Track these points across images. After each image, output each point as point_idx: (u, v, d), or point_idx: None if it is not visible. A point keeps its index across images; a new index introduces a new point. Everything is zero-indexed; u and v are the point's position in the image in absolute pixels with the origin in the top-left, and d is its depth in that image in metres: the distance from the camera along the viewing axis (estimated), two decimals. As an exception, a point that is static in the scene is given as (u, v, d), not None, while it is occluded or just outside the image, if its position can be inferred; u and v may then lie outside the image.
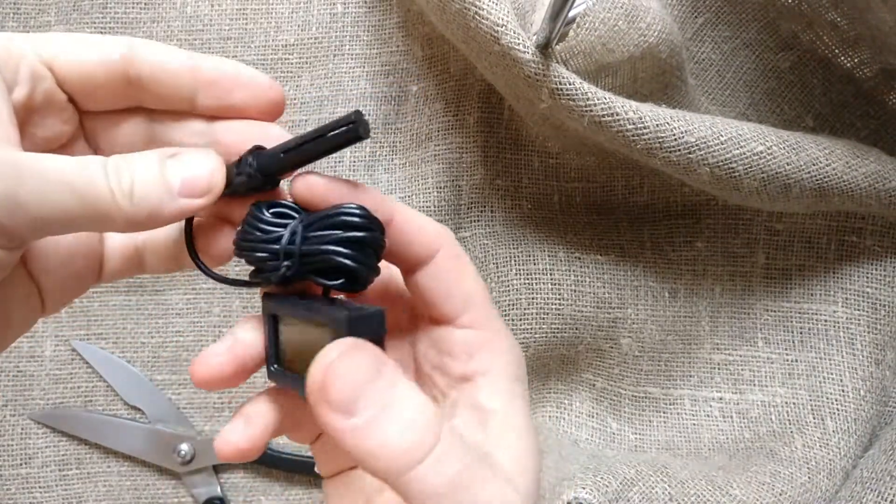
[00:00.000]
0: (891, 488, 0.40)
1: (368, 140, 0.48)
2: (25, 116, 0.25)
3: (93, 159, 0.24)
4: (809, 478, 0.44)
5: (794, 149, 0.40)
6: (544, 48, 0.37)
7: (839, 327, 0.46)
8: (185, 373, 0.48)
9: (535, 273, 0.47)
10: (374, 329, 0.24)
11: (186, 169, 0.25)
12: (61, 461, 0.48)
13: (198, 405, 0.48)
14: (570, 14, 0.38)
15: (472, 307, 0.28)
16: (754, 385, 0.47)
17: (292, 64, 0.49)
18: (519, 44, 0.37)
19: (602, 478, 0.42)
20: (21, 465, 0.47)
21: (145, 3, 0.49)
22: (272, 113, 0.28)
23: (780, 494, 0.43)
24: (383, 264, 0.27)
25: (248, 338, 0.27)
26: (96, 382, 0.48)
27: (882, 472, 0.41)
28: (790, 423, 0.46)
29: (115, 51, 0.26)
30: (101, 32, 0.48)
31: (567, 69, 0.39)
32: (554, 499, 0.41)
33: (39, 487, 0.47)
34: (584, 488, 0.41)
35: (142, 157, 0.25)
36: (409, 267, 0.28)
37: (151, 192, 0.24)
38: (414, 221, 0.27)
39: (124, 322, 0.48)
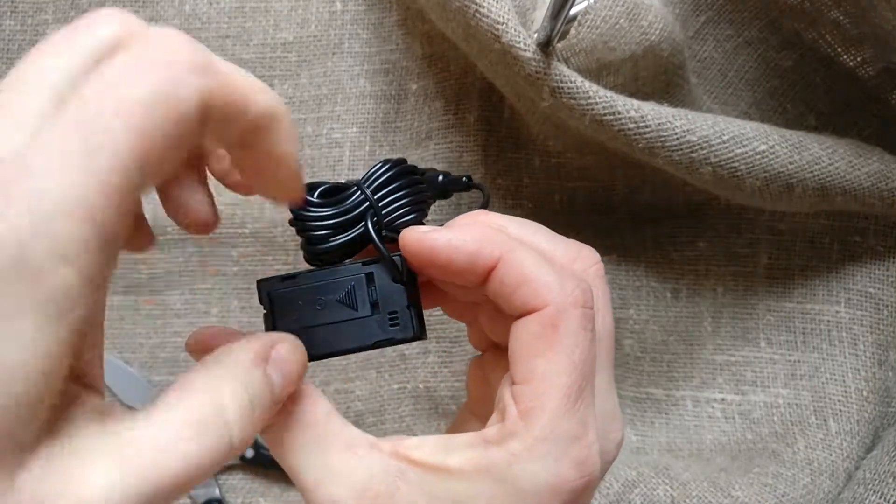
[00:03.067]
0: (893, 490, 0.40)
1: (367, 139, 0.48)
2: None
3: (216, 427, 0.20)
4: (812, 479, 0.44)
5: (796, 148, 0.40)
6: (545, 46, 0.37)
7: (842, 328, 0.46)
8: (182, 373, 0.48)
9: (535, 273, 0.47)
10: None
11: (286, 378, 0.23)
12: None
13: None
14: (572, 12, 0.38)
15: (532, 384, 0.24)
16: (756, 386, 0.47)
17: (291, 62, 0.49)
18: (520, 42, 0.37)
19: (603, 480, 0.42)
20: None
21: (143, 1, 0.48)
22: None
23: (783, 496, 0.43)
24: None
25: None
26: (94, 383, 0.48)
27: (885, 474, 0.41)
28: (793, 425, 0.46)
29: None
30: (99, 31, 0.48)
31: (568, 67, 0.39)
32: None
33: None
34: None
35: (257, 389, 0.22)
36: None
37: (264, 416, 0.22)
38: (522, 270, 0.25)
39: (121, 322, 0.48)
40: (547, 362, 0.24)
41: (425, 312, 0.29)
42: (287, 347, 0.24)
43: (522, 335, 0.24)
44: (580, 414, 0.24)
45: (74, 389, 0.20)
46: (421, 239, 0.26)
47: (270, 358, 0.23)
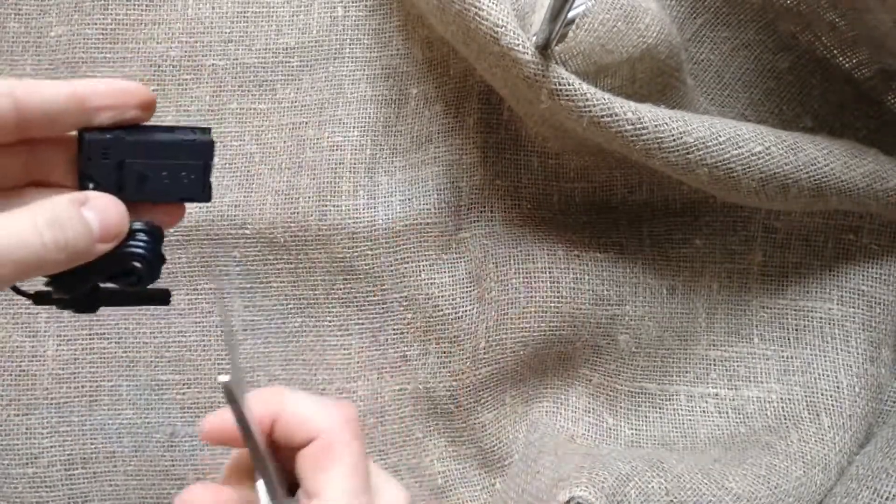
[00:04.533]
0: (887, 485, 0.41)
1: (368, 142, 0.48)
2: None
3: (25, 222, 0.25)
4: (804, 472, 0.44)
5: (792, 149, 0.41)
6: (544, 49, 0.38)
7: (835, 325, 0.47)
8: (188, 373, 0.48)
9: (534, 272, 0.48)
10: None
11: (101, 216, 0.28)
12: (67, 460, 0.48)
13: (203, 405, 0.49)
14: (570, 15, 0.38)
15: (321, 495, 0.29)
16: (750, 381, 0.48)
17: (293, 66, 0.49)
18: (519, 44, 0.38)
19: (597, 474, 0.42)
20: (27, 464, 0.48)
21: (146, 5, 0.48)
22: (145, 112, 0.31)
23: (776, 488, 0.43)
24: None
25: None
26: (100, 382, 0.48)
27: (878, 470, 0.42)
28: (785, 419, 0.46)
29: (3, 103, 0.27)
30: (103, 34, 0.48)
31: (566, 70, 0.39)
32: (550, 500, 0.41)
33: (45, 486, 0.48)
34: (578, 486, 0.41)
35: (65, 210, 0.27)
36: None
37: (80, 242, 0.27)
38: (298, 414, 0.30)
39: (126, 322, 0.48)
40: (329, 474, 0.29)
41: None
42: (106, 198, 0.28)
43: (307, 459, 0.29)
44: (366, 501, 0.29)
45: None
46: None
47: (87, 202, 0.28)
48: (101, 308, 0.31)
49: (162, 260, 0.30)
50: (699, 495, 0.42)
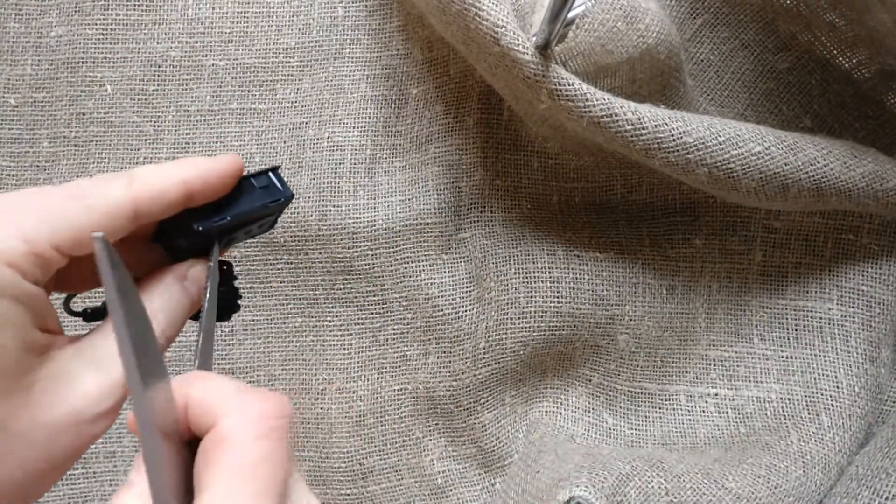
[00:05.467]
0: (887, 485, 0.41)
1: (368, 142, 0.48)
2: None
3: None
4: (804, 472, 0.44)
5: (791, 149, 0.41)
6: (544, 49, 0.38)
7: (834, 324, 0.47)
8: (187, 371, 0.48)
9: (534, 272, 0.48)
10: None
11: (198, 286, 0.31)
12: (67, 460, 0.48)
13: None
14: (570, 15, 0.38)
15: (199, 497, 0.22)
16: (749, 381, 0.48)
17: (293, 67, 0.49)
18: (518, 45, 0.38)
19: (597, 474, 0.42)
20: (27, 462, 0.48)
21: (147, 5, 0.49)
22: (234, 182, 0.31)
23: (776, 488, 0.43)
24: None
25: None
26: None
27: (878, 469, 0.42)
28: (785, 419, 0.46)
29: (123, 205, 0.27)
30: (103, 34, 0.48)
31: (566, 70, 0.39)
32: (550, 500, 0.41)
33: (45, 486, 0.48)
34: (578, 486, 0.41)
35: (176, 297, 0.30)
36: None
37: (188, 314, 0.30)
38: (204, 399, 0.25)
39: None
40: (214, 472, 0.23)
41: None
42: (200, 267, 0.31)
43: (200, 452, 0.24)
44: None
45: (45, 338, 0.26)
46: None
47: (188, 277, 0.30)
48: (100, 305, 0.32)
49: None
50: (699, 495, 0.42)
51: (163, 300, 0.29)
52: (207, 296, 0.31)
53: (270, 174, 0.32)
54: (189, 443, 0.25)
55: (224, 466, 0.22)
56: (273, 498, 0.23)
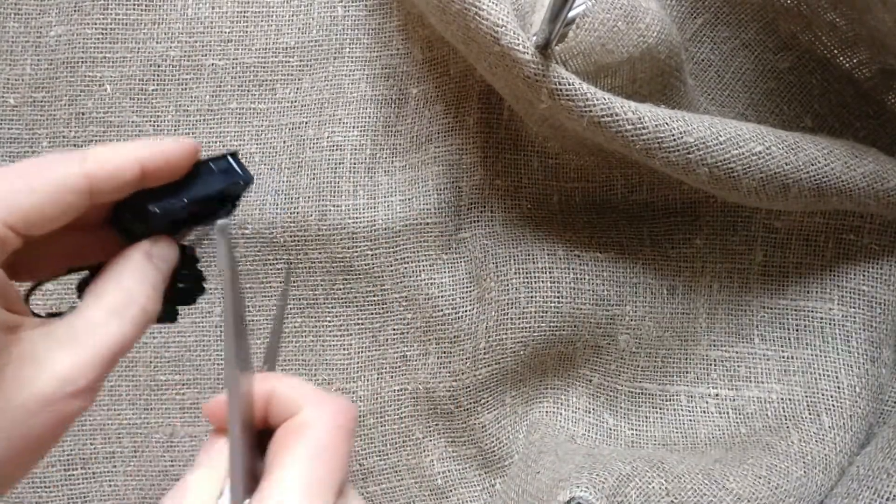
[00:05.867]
0: (888, 486, 0.41)
1: (368, 142, 0.48)
2: None
3: (123, 319, 0.27)
4: (805, 472, 0.44)
5: (792, 149, 0.40)
6: (544, 49, 0.38)
7: (835, 325, 0.47)
8: (188, 373, 0.48)
9: (534, 272, 0.48)
10: None
11: (167, 262, 0.30)
12: (67, 461, 0.48)
13: (202, 405, 0.49)
14: (570, 15, 0.38)
15: (272, 474, 0.26)
16: (750, 381, 0.48)
17: (293, 66, 0.49)
18: (519, 44, 0.38)
19: (598, 475, 0.42)
20: (26, 463, 0.48)
21: (146, 5, 0.49)
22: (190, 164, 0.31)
23: (776, 488, 0.43)
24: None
25: None
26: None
27: (879, 470, 0.42)
28: (786, 419, 0.46)
29: (76, 183, 0.27)
30: (103, 34, 0.48)
31: (566, 70, 0.39)
32: (550, 500, 0.41)
33: (45, 487, 0.48)
34: (578, 486, 0.41)
35: (149, 293, 0.28)
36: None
37: (163, 289, 0.29)
38: (287, 393, 0.29)
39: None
40: (289, 454, 0.26)
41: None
42: (163, 243, 0.30)
43: (277, 436, 0.27)
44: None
45: (12, 318, 0.26)
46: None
47: (153, 254, 0.29)
48: None
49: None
50: (700, 496, 0.42)
51: (136, 279, 0.28)
52: (279, 306, 0.34)
53: (229, 158, 0.32)
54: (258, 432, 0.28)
55: (301, 448, 0.26)
56: (336, 485, 0.26)
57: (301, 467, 0.25)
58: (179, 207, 0.30)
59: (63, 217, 0.27)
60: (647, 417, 0.49)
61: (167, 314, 0.32)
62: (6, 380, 0.25)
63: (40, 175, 0.26)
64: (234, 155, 0.32)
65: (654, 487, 0.42)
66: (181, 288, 0.32)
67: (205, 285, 0.33)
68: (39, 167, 0.26)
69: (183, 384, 0.49)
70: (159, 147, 0.29)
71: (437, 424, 0.49)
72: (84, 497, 0.48)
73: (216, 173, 0.32)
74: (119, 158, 0.27)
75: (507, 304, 0.48)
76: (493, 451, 0.49)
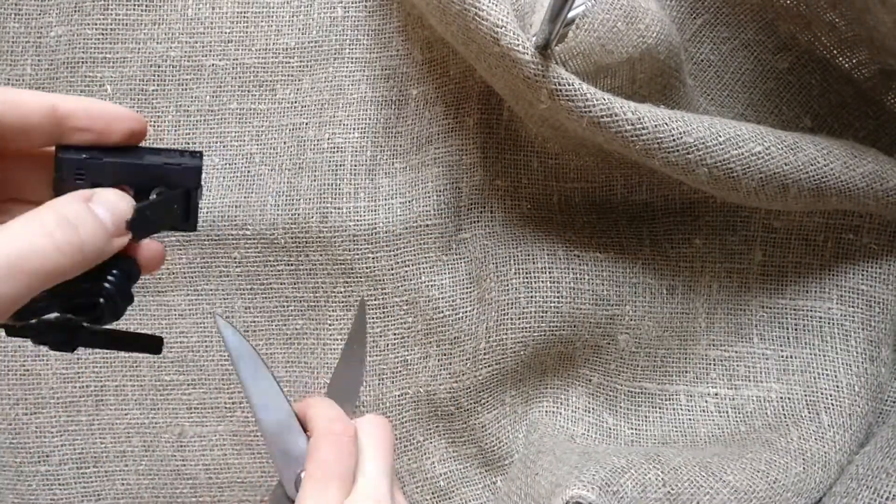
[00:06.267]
0: (887, 485, 0.41)
1: (369, 143, 0.48)
2: None
3: (37, 226, 0.24)
4: (804, 468, 0.44)
5: (792, 149, 0.40)
6: (543, 49, 0.38)
7: (834, 324, 0.47)
8: (192, 373, 0.48)
9: (534, 272, 0.48)
10: None
11: (112, 209, 0.27)
12: (78, 459, 0.48)
13: (209, 405, 0.49)
14: (570, 15, 0.38)
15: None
16: (749, 381, 0.48)
17: (293, 67, 0.49)
18: (518, 45, 0.38)
19: (590, 470, 0.42)
20: (39, 462, 0.48)
21: (146, 5, 0.48)
22: (133, 139, 0.29)
23: (774, 483, 0.43)
24: None
25: None
26: (105, 382, 0.49)
27: (878, 470, 0.42)
28: (785, 417, 0.46)
29: None
30: (103, 34, 0.48)
31: (566, 70, 0.39)
32: None
33: (58, 484, 0.48)
34: (572, 487, 0.41)
35: (73, 208, 0.25)
36: None
37: (96, 239, 0.26)
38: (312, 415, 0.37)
39: (127, 323, 0.48)
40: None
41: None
42: (111, 192, 0.27)
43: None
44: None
45: None
46: None
47: (92, 199, 0.27)
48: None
49: (129, 300, 0.28)
50: (696, 487, 0.42)
51: (70, 205, 0.26)
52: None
53: (187, 153, 0.29)
54: None
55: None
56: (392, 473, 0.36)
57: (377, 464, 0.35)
58: (93, 162, 0.28)
59: None
60: (646, 417, 0.49)
61: (70, 336, 0.28)
62: None
63: None
64: (195, 154, 0.30)
65: (650, 478, 0.42)
66: (107, 289, 0.28)
67: (119, 311, 0.29)
68: None
69: (188, 384, 0.49)
70: (85, 100, 0.27)
71: (437, 427, 0.49)
72: (98, 495, 0.48)
73: (162, 153, 0.29)
74: (28, 96, 0.26)
75: (508, 304, 0.48)
76: (494, 451, 0.49)
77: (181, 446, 0.49)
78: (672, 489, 0.42)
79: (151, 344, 0.31)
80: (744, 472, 0.43)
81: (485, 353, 0.48)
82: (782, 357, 0.48)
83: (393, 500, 0.35)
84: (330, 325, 0.49)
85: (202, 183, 0.30)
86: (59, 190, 0.27)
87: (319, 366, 0.49)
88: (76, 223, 0.25)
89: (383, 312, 0.49)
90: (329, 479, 0.33)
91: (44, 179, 0.28)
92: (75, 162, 0.27)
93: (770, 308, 0.48)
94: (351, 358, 0.42)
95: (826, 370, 0.46)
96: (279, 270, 0.49)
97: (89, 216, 0.26)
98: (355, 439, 0.35)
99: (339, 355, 0.43)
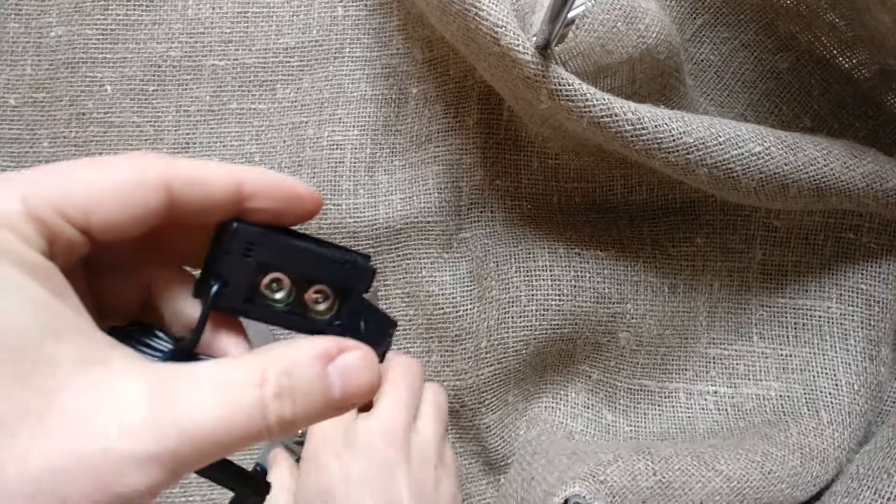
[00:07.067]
0: (888, 485, 0.41)
1: (368, 142, 0.48)
2: None
3: (250, 394, 0.20)
4: (801, 462, 0.44)
5: (791, 149, 0.40)
6: (544, 49, 0.38)
7: (833, 323, 0.47)
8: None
9: (534, 270, 0.48)
10: None
11: (349, 382, 0.22)
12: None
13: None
14: (570, 15, 0.38)
15: None
16: (749, 379, 0.48)
17: (293, 66, 0.49)
18: (518, 45, 0.38)
19: (573, 469, 0.42)
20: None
21: (146, 5, 0.49)
22: (304, 219, 0.25)
23: (769, 473, 0.43)
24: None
25: None
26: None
27: (879, 469, 0.42)
28: (784, 415, 0.46)
29: (148, 177, 0.21)
30: (103, 34, 0.48)
31: (566, 70, 0.39)
32: None
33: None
34: (558, 494, 0.41)
35: (305, 371, 0.21)
36: None
37: (311, 414, 0.21)
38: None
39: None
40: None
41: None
42: (358, 355, 0.22)
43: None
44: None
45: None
46: None
47: (335, 359, 0.22)
48: None
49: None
50: (688, 475, 0.42)
51: (279, 370, 0.21)
52: None
53: (353, 251, 0.25)
54: None
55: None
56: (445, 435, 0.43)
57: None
58: (267, 240, 0.23)
59: (137, 220, 0.21)
60: (645, 414, 0.49)
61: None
62: (52, 416, 0.17)
63: (106, 163, 0.21)
64: (363, 255, 0.25)
65: (639, 468, 0.42)
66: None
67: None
68: (107, 159, 0.21)
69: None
70: (268, 176, 0.23)
71: (437, 424, 0.49)
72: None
73: (328, 248, 0.25)
74: (208, 167, 0.22)
75: (509, 302, 0.48)
76: (498, 450, 0.49)
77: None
78: (663, 478, 0.42)
79: (259, 488, 0.26)
80: (738, 462, 0.43)
81: (486, 352, 0.48)
82: (782, 355, 0.48)
83: (442, 460, 0.38)
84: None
85: (370, 289, 0.26)
86: (213, 262, 0.24)
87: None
88: (301, 396, 0.21)
89: (384, 304, 0.49)
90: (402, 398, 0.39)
91: (201, 247, 0.24)
92: (249, 235, 0.23)
93: (770, 307, 0.48)
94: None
95: (825, 369, 0.46)
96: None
97: (322, 390, 0.21)
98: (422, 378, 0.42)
99: None
